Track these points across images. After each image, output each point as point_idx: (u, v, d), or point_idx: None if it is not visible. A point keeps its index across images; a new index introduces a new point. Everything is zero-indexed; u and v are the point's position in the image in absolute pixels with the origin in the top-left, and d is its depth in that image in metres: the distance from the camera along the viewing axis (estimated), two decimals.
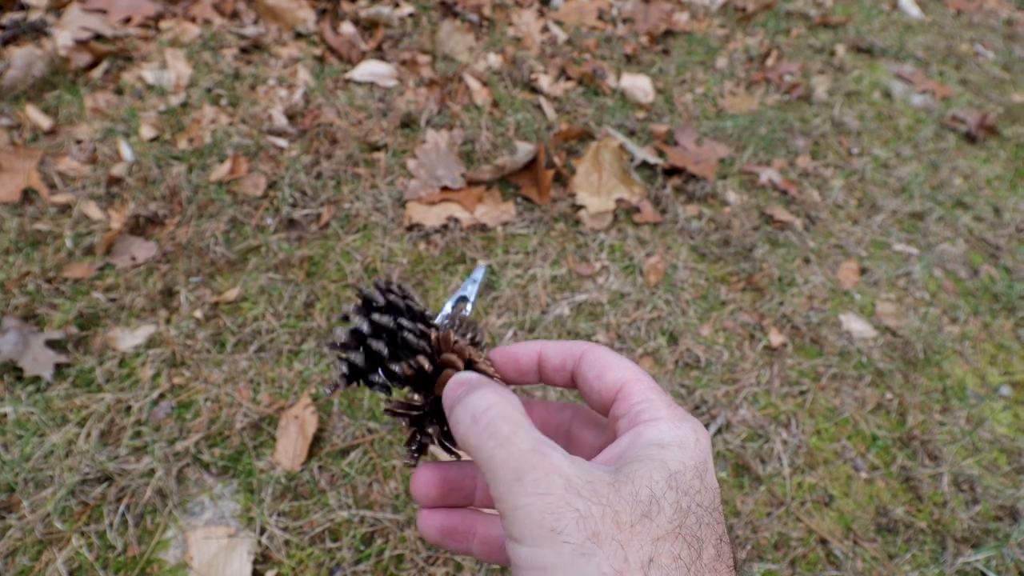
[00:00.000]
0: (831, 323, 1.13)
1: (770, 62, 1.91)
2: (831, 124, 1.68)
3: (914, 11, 2.43)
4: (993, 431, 1.00)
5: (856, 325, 1.13)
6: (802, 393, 1.01)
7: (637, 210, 1.32)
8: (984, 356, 1.13)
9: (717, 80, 1.79)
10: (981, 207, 1.46)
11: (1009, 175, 1.59)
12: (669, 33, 1.97)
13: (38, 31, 1.66)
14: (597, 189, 1.34)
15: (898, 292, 1.22)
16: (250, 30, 1.72)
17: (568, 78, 1.71)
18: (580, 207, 1.30)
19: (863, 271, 1.25)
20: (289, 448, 0.86)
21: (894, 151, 1.61)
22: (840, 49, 2.02)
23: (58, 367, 0.92)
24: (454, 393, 0.31)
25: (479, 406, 0.28)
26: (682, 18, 2.05)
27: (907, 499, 0.89)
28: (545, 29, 1.91)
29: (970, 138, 1.70)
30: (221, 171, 1.27)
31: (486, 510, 0.36)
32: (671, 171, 1.43)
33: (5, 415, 0.87)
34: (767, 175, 1.45)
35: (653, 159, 1.41)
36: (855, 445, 0.95)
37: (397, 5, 1.88)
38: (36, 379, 0.90)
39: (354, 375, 0.35)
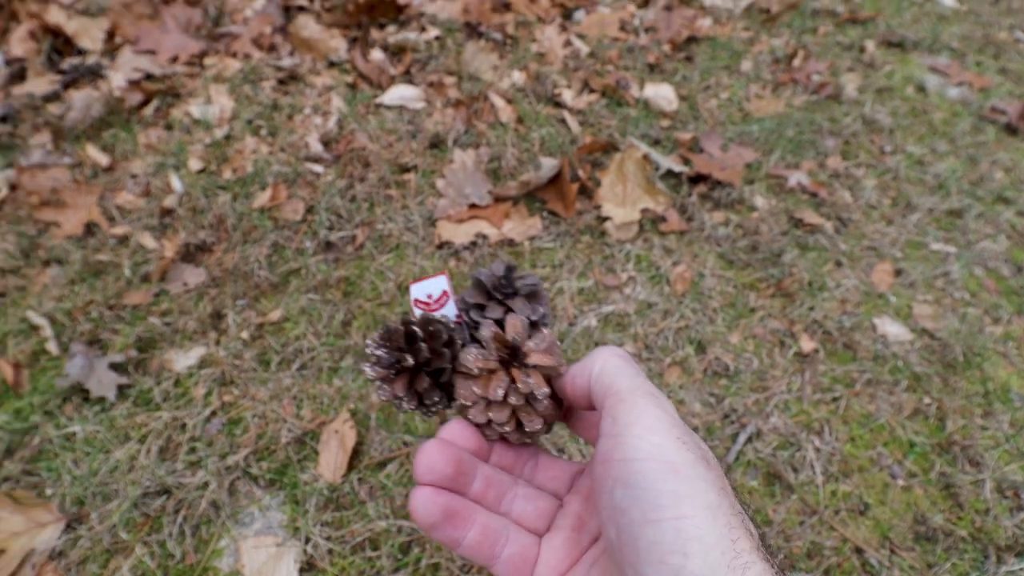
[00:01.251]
0: (865, 327, 1.12)
1: (797, 62, 1.89)
2: (862, 122, 1.65)
3: (948, 0, 2.36)
4: None
5: (891, 328, 1.12)
6: (835, 400, 1.00)
7: (663, 219, 1.33)
8: None
9: (742, 84, 1.78)
10: None
11: None
12: (692, 39, 1.97)
13: (94, 74, 1.79)
14: (622, 200, 1.35)
15: (936, 293, 1.20)
16: (286, 62, 1.81)
17: (591, 90, 1.73)
18: (606, 219, 1.32)
19: (898, 272, 1.23)
20: (330, 461, 0.90)
21: (929, 147, 1.58)
22: (870, 45, 1.98)
23: (120, 388, 1.00)
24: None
25: None
26: (705, 23, 2.05)
27: (947, 507, 0.88)
28: (568, 43, 1.94)
29: (1011, 129, 1.65)
30: (263, 198, 1.34)
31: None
32: (696, 178, 1.43)
33: (75, 433, 0.94)
34: (795, 178, 1.44)
35: (678, 167, 1.42)
36: (891, 452, 0.94)
37: (423, 29, 1.95)
38: (101, 400, 0.98)
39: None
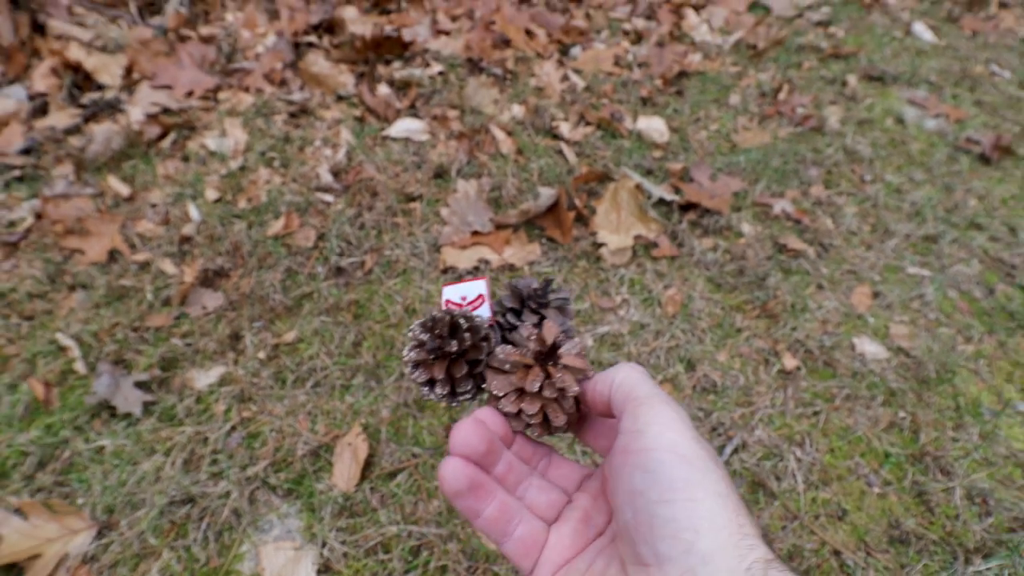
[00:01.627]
0: (844, 346, 1.19)
1: (782, 96, 1.99)
2: (844, 153, 1.75)
3: (927, 35, 2.48)
4: (1008, 446, 1.04)
5: (869, 347, 1.19)
6: (816, 414, 1.07)
7: (655, 245, 1.41)
8: (1000, 373, 1.17)
9: (730, 116, 1.88)
10: (996, 227, 1.50)
11: None
12: (683, 74, 2.08)
13: (113, 108, 1.88)
14: (616, 227, 1.44)
15: (912, 314, 1.27)
16: (297, 96, 1.91)
17: (587, 123, 1.83)
18: (601, 245, 1.40)
19: (876, 295, 1.31)
20: (344, 472, 0.97)
21: (907, 176, 1.67)
22: (852, 79, 2.09)
23: (145, 405, 1.06)
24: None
25: None
26: (695, 59, 2.16)
27: (919, 512, 0.94)
28: (565, 78, 2.04)
29: (984, 159, 1.74)
30: (276, 226, 1.42)
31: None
32: (687, 206, 1.52)
33: (103, 447, 1.01)
34: (780, 206, 1.53)
35: (669, 196, 1.51)
36: (868, 462, 1.00)
37: (427, 65, 2.05)
38: (128, 415, 1.04)
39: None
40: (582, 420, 0.47)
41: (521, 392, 0.42)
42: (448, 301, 0.46)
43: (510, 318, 0.46)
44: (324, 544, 0.89)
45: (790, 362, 1.14)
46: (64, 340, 1.17)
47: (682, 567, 0.33)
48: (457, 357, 0.43)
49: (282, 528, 0.92)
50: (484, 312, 0.46)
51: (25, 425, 1.04)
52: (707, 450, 0.37)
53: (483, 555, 0.88)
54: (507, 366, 0.43)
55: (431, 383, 0.44)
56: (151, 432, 1.02)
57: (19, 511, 0.91)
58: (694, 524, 0.33)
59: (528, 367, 0.42)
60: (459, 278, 1.33)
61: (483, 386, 0.44)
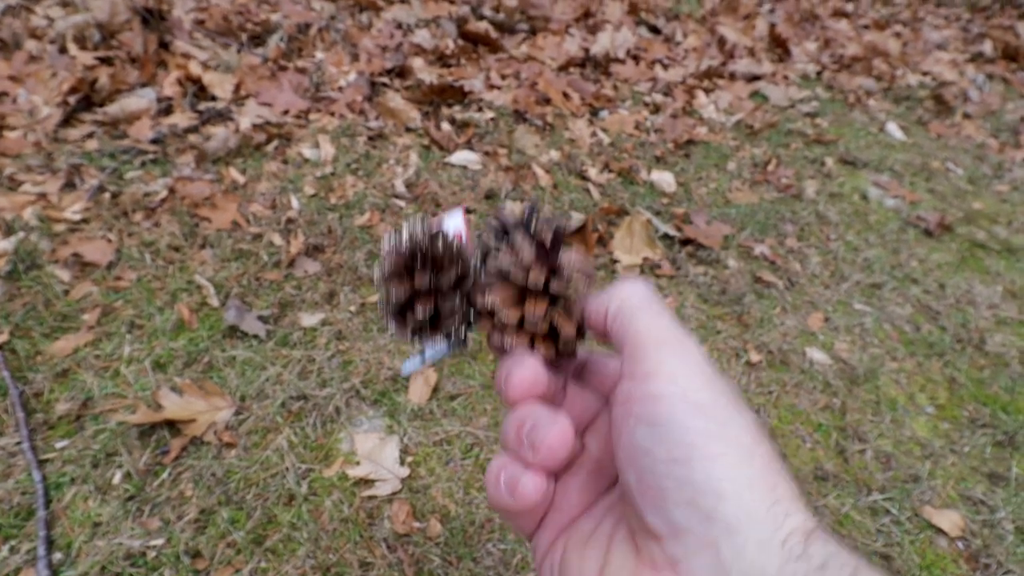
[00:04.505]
0: (798, 351, 1.54)
1: (771, 168, 2.41)
2: (815, 216, 2.15)
3: (898, 134, 2.95)
4: (913, 431, 1.38)
5: (817, 355, 1.54)
6: (770, 393, 1.41)
7: (658, 266, 1.78)
8: (915, 384, 1.52)
9: (727, 178, 2.30)
10: (929, 283, 1.88)
11: (956, 261, 2.01)
12: (691, 142, 2.51)
13: (223, 117, 2.29)
14: (629, 249, 1.81)
15: (853, 336, 1.63)
16: (374, 124, 2.32)
17: (610, 171, 2.24)
18: (616, 261, 1.77)
19: (827, 319, 1.67)
20: (418, 391, 1.30)
21: (864, 239, 2.06)
22: (829, 161, 2.52)
23: (267, 332, 1.40)
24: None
25: None
26: (702, 131, 2.60)
27: (838, 463, 1.27)
28: (594, 134, 2.47)
29: (928, 233, 2.14)
30: (362, 219, 1.79)
31: None
32: (686, 241, 1.90)
33: (235, 357, 1.34)
34: (760, 249, 1.91)
35: (672, 232, 1.89)
36: (805, 428, 1.34)
37: (481, 110, 2.48)
38: (255, 336, 1.38)
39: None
40: (580, 372, 0.41)
41: (521, 296, 0.37)
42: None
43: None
44: (404, 434, 1.21)
45: (755, 357, 1.49)
46: (200, 281, 1.51)
47: (702, 539, 0.27)
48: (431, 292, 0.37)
49: (370, 425, 1.24)
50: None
51: (173, 336, 1.38)
52: (727, 393, 0.30)
53: None
54: (504, 269, 0.36)
55: (409, 305, 0.37)
56: (271, 351, 1.36)
57: (176, 389, 1.24)
58: (714, 486, 0.27)
59: (527, 268, 0.36)
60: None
61: (471, 316, 0.39)
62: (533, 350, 0.37)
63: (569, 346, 0.38)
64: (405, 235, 0.37)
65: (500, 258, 0.37)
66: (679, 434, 0.29)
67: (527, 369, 0.35)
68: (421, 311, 0.37)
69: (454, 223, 0.43)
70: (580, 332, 0.38)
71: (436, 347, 0.40)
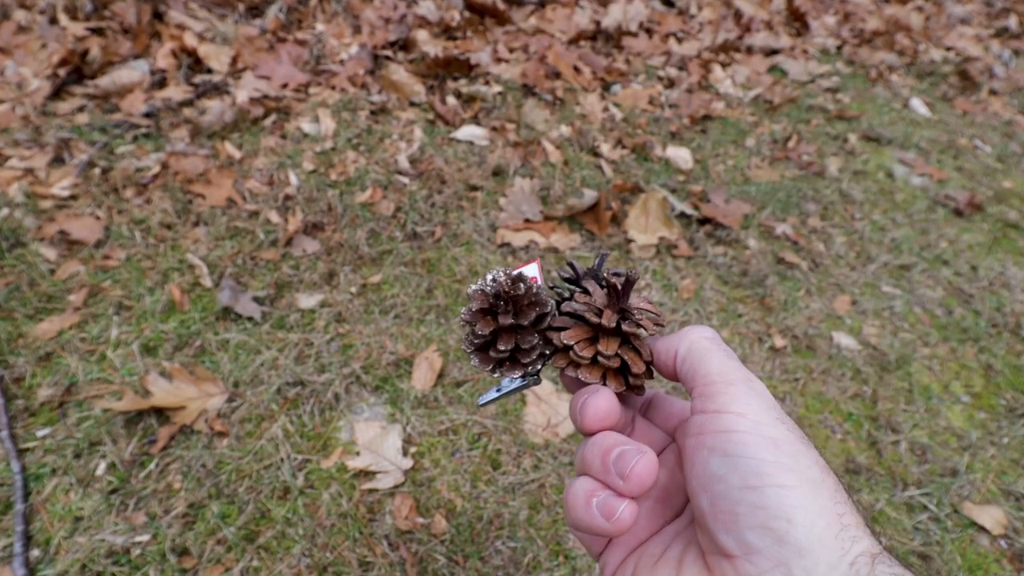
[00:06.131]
0: (824, 336, 1.46)
1: (791, 144, 2.30)
2: (839, 195, 2.04)
3: (923, 110, 2.82)
4: (948, 421, 1.29)
5: (845, 340, 1.45)
6: (796, 380, 1.33)
7: (675, 246, 1.69)
8: (949, 372, 1.43)
9: (746, 156, 2.19)
10: (960, 265, 1.78)
11: (988, 242, 1.91)
12: (707, 117, 2.40)
13: (219, 90, 2.19)
14: (644, 228, 1.72)
15: (882, 320, 1.54)
16: (376, 98, 2.22)
17: (624, 147, 2.14)
18: (631, 240, 1.68)
19: (854, 303, 1.58)
20: (422, 377, 1.22)
21: (891, 218, 1.96)
22: (852, 137, 2.41)
23: (262, 314, 1.32)
24: None
25: None
26: (719, 106, 2.49)
27: (871, 455, 1.19)
28: (606, 109, 2.36)
29: (958, 213, 2.04)
30: (363, 196, 1.70)
31: None
32: (704, 220, 1.80)
33: (229, 340, 1.26)
34: (782, 228, 1.81)
35: (690, 211, 1.80)
36: (834, 417, 1.25)
37: (488, 84, 2.38)
38: (249, 319, 1.30)
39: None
40: (646, 407, 0.44)
41: (595, 335, 0.40)
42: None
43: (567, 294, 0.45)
44: (408, 422, 1.13)
45: (779, 342, 1.41)
46: (193, 260, 1.43)
47: (774, 559, 0.30)
48: (516, 325, 0.41)
49: (371, 413, 1.17)
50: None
51: (163, 318, 1.30)
52: (795, 432, 0.33)
53: (529, 445, 1.13)
54: (578, 310, 0.40)
55: (493, 343, 0.41)
56: (267, 334, 1.28)
57: (165, 374, 1.17)
58: (786, 512, 0.29)
59: (600, 310, 0.40)
60: (512, 254, 1.60)
61: (547, 353, 0.42)
62: (605, 384, 0.40)
63: (638, 381, 0.41)
64: (490, 279, 0.41)
65: (575, 301, 0.41)
66: (753, 464, 0.31)
67: (603, 399, 0.38)
68: (503, 346, 0.40)
69: (531, 271, 0.46)
70: (648, 369, 0.41)
71: (512, 380, 0.43)
